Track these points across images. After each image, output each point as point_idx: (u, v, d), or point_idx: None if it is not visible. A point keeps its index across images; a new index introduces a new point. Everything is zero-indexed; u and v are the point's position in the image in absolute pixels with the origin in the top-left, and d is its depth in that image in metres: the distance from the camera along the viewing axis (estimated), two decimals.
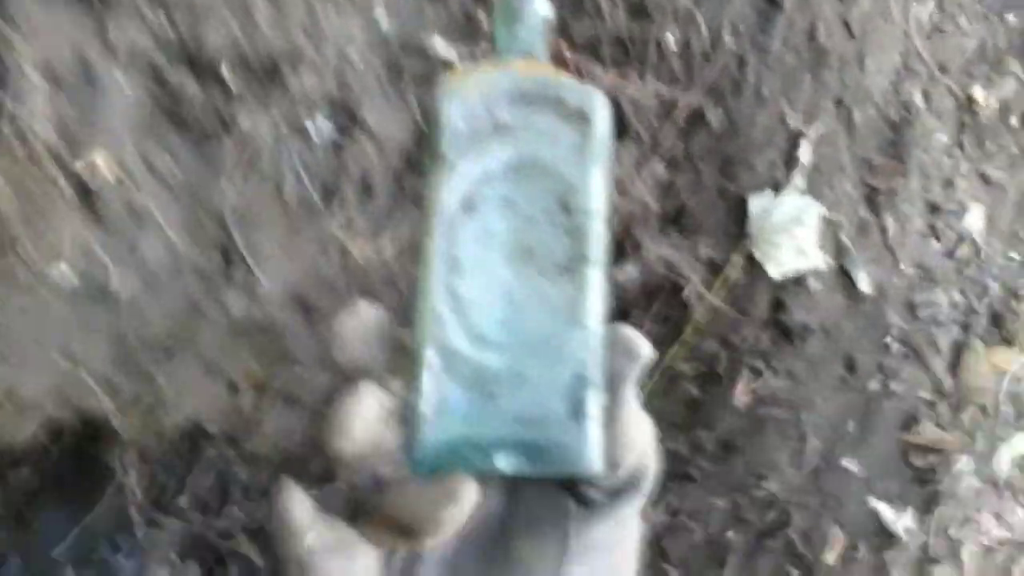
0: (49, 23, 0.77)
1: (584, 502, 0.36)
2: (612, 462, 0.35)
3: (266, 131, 1.00)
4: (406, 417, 0.34)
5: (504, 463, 0.34)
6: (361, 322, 0.36)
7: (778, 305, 1.13)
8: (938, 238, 1.19)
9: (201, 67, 0.92)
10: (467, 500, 0.33)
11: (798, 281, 1.11)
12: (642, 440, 0.36)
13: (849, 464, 1.18)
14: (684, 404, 1.20)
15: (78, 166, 0.88)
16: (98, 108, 0.85)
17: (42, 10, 0.76)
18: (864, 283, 1.13)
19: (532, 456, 0.34)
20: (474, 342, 0.35)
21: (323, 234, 1.13)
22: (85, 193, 0.92)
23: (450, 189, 0.36)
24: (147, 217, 0.98)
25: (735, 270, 1.11)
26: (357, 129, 1.05)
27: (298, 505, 0.34)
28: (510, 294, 0.36)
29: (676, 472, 1.23)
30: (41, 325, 1.02)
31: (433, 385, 0.34)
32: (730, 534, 1.21)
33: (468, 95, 0.37)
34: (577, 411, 0.34)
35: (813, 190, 1.10)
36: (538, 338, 0.35)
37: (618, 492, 0.36)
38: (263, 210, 1.09)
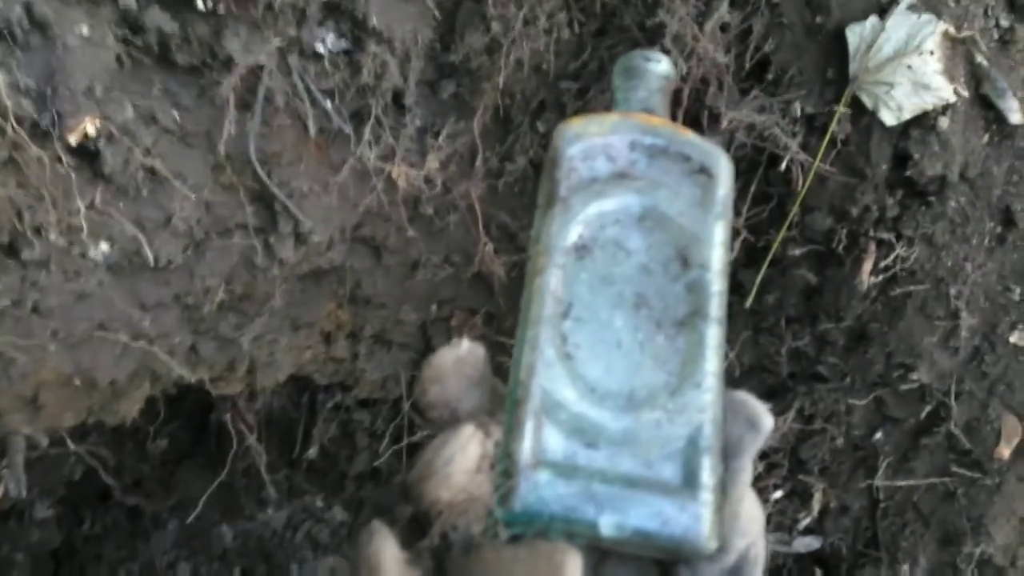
0: None
1: None
2: (723, 545, 0.32)
3: (266, 57, 0.89)
4: (503, 465, 0.33)
5: (607, 527, 0.31)
6: (462, 360, 0.34)
7: (902, 158, 0.91)
8: None
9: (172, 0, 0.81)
10: (572, 571, 0.30)
11: (923, 124, 0.89)
12: (755, 526, 0.33)
13: (1018, 339, 0.96)
14: (801, 295, 1.02)
15: (71, 139, 0.81)
16: (68, 70, 0.77)
17: None
18: (1014, 112, 0.89)
19: (637, 522, 0.32)
20: (581, 391, 0.34)
21: (362, 165, 1.02)
22: (90, 163, 0.85)
23: (564, 230, 0.36)
24: (164, 175, 0.91)
25: (841, 124, 0.90)
26: (367, 36, 0.92)
27: (388, 555, 0.32)
28: (621, 344, 0.35)
29: (802, 373, 1.06)
30: (99, 307, 0.98)
31: (535, 432, 0.33)
32: (878, 436, 1.04)
33: (590, 139, 0.37)
34: (691, 479, 0.32)
35: (929, 4, 0.86)
36: (650, 394, 0.34)
37: None
38: (290, 147, 0.99)
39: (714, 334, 0.35)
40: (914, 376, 0.98)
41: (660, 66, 0.42)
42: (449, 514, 0.32)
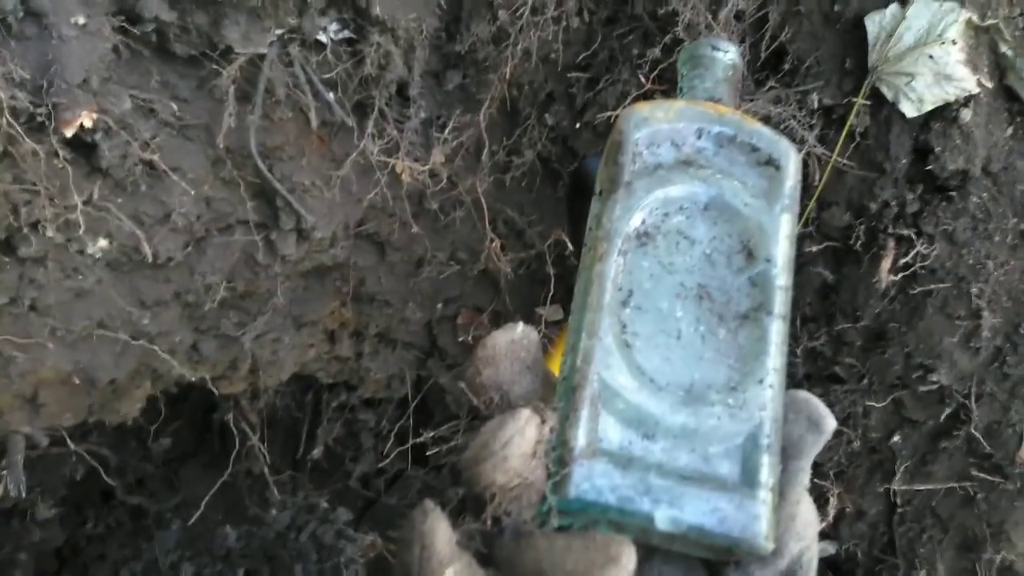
0: None
1: None
2: (777, 547, 0.31)
3: (266, 47, 0.87)
4: (558, 452, 0.32)
5: (663, 521, 0.30)
6: (515, 343, 0.34)
7: (922, 152, 0.88)
8: None
9: None
10: (628, 564, 0.29)
11: (945, 116, 0.86)
12: (810, 530, 0.32)
13: None
14: (817, 293, 1.00)
15: (67, 132, 0.79)
16: (64, 61, 0.75)
17: None
18: None
19: (694, 518, 0.31)
20: (639, 381, 0.33)
21: (365, 159, 1.00)
22: (87, 157, 0.83)
23: (627, 216, 0.35)
24: (164, 169, 0.89)
25: (860, 116, 0.88)
26: (370, 25, 0.89)
27: (441, 534, 0.31)
28: (681, 335, 0.34)
29: (819, 374, 1.03)
30: (98, 305, 0.96)
31: (591, 420, 0.32)
32: (896, 438, 1.01)
33: (656, 124, 0.36)
34: (750, 477, 0.31)
35: None
36: (710, 388, 0.33)
37: None
38: (292, 141, 0.97)
39: (778, 330, 0.34)
40: (933, 377, 0.95)
41: (727, 55, 0.41)
42: (502, 498, 0.32)
